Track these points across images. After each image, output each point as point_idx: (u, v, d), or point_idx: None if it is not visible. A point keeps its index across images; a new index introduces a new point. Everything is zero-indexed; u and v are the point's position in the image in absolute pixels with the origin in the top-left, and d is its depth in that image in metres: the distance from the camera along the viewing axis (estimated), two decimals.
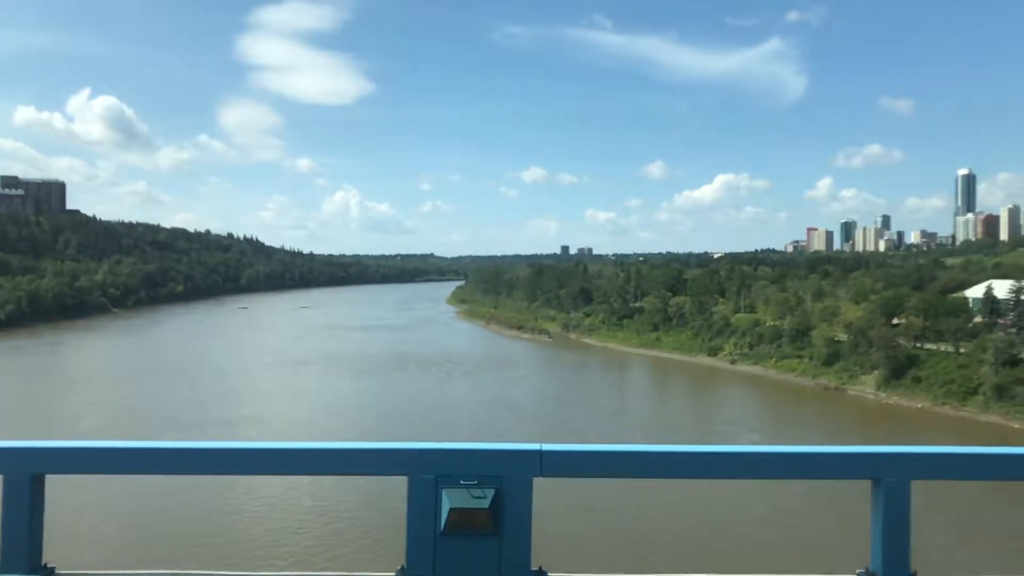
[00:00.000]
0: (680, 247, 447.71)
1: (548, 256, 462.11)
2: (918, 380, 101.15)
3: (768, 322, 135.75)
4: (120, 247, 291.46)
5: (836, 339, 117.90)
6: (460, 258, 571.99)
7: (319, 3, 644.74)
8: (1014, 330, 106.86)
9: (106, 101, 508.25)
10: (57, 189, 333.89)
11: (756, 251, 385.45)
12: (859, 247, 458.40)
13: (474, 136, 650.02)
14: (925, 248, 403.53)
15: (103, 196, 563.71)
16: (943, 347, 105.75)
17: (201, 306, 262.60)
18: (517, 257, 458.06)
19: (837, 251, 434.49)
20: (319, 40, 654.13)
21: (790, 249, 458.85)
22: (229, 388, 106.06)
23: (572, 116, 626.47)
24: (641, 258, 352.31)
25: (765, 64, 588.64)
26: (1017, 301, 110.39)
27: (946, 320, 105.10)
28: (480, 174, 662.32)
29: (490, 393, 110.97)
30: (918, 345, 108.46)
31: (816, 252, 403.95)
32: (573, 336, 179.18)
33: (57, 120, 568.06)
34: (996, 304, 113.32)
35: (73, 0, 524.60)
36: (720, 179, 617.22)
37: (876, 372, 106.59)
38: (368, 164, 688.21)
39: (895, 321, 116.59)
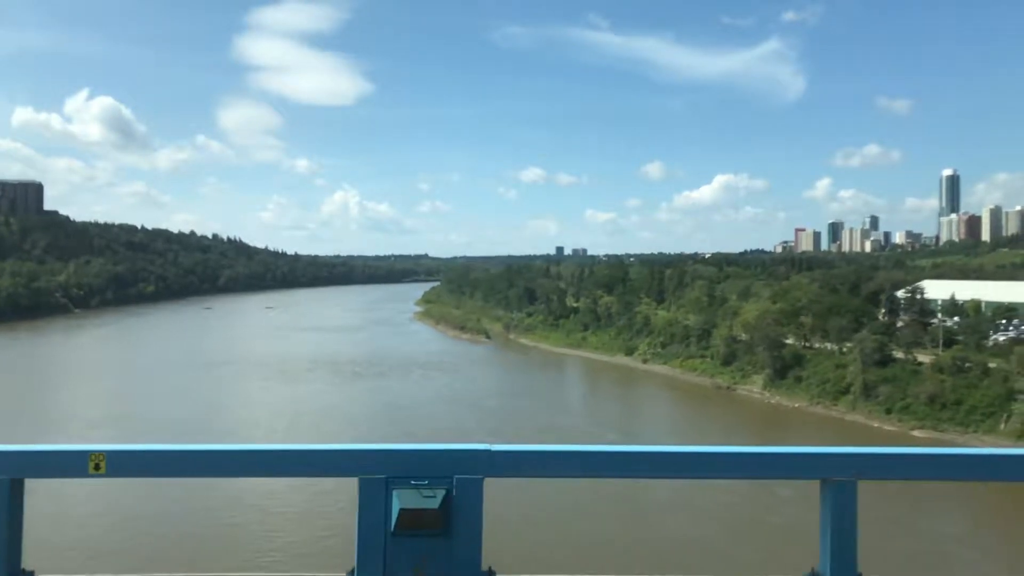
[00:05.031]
0: (679, 247, 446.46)
1: (542, 257, 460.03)
2: (799, 380, 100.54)
3: (683, 322, 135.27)
4: (92, 248, 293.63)
5: (738, 339, 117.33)
6: (454, 259, 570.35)
7: (318, 3, 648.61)
8: (908, 330, 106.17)
9: (104, 102, 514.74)
10: (34, 190, 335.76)
11: (745, 251, 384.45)
12: (846, 247, 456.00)
13: (473, 136, 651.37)
14: (910, 249, 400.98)
15: (103, 197, 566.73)
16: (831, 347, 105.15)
17: (168, 307, 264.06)
18: (511, 258, 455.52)
19: (824, 251, 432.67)
20: (318, 40, 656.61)
21: (779, 250, 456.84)
22: (119, 388, 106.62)
23: (571, 116, 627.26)
24: (633, 258, 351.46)
25: (763, 64, 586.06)
26: (912, 301, 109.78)
27: (832, 320, 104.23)
28: (479, 174, 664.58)
29: (387, 395, 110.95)
30: (807, 345, 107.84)
31: (803, 252, 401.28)
32: (512, 336, 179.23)
33: (55, 121, 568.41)
34: (895, 305, 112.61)
35: (72, 0, 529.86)
36: (719, 179, 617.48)
37: (765, 372, 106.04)
38: (367, 164, 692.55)
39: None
